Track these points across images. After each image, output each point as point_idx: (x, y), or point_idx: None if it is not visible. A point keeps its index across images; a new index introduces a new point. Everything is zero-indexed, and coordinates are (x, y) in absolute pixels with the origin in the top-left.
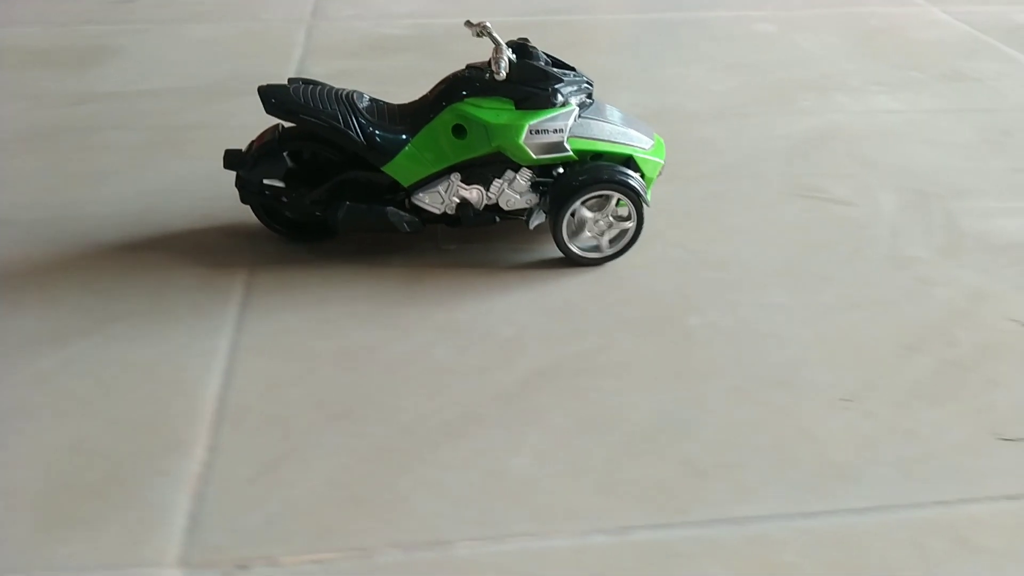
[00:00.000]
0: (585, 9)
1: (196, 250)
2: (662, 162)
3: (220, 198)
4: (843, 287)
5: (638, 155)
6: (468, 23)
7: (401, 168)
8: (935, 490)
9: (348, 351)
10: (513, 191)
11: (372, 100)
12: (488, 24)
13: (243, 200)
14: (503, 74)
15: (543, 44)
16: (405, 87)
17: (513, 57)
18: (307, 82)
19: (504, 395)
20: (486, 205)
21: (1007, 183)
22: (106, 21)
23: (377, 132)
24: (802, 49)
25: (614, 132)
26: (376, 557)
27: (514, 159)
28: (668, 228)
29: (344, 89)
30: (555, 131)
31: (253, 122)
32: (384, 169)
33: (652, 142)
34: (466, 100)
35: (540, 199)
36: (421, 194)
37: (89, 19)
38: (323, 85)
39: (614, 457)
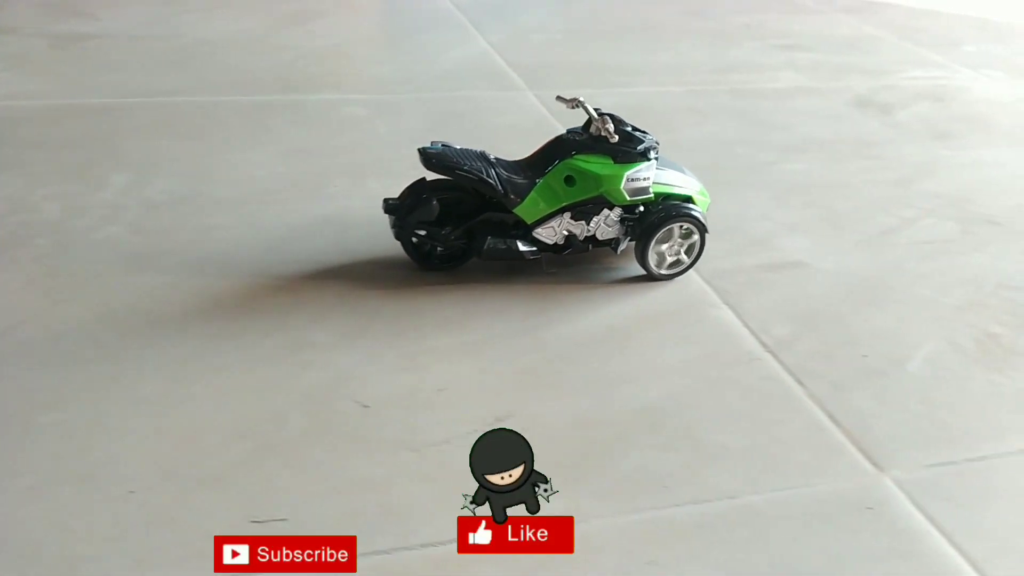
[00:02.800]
0: (188, 91)
1: None
2: (709, 200)
3: None
4: (238, 374)
5: (695, 196)
6: (560, 98)
7: (527, 209)
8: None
9: None
10: (607, 225)
11: (496, 157)
12: (582, 98)
13: (397, 237)
14: (616, 137)
15: (129, 127)
16: None
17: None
18: (445, 144)
19: None
20: (585, 236)
21: None
22: None
23: (509, 182)
24: (374, 133)
25: (678, 178)
26: None
27: (612, 200)
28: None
29: (474, 149)
30: (644, 179)
31: None
32: (515, 211)
33: (700, 186)
34: (575, 157)
35: (625, 230)
36: (540, 229)
37: None
38: (455, 146)
39: None
